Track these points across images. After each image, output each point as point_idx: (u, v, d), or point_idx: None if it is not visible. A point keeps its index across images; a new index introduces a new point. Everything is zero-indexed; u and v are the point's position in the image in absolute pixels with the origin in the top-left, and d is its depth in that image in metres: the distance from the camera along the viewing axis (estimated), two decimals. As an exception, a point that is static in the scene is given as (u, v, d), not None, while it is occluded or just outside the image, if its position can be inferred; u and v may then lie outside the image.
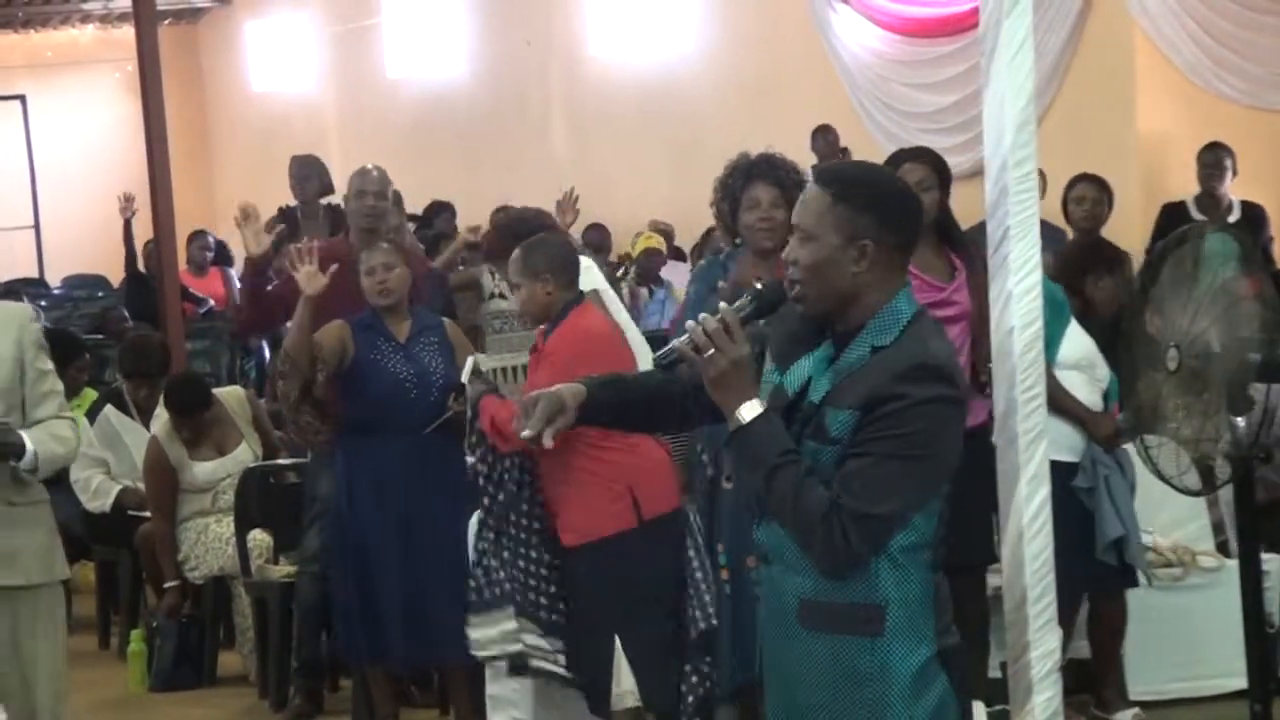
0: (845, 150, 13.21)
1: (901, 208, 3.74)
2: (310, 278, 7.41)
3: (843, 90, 14.29)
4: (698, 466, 6.81)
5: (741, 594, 6.62)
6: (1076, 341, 7.23)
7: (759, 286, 3.85)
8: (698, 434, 6.77)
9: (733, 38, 15.43)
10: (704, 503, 6.72)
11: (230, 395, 9.27)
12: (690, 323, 3.63)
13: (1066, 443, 7.07)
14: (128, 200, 14.56)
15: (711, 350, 3.59)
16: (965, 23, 12.41)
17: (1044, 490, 5.60)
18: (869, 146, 13.43)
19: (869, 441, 3.54)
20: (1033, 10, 5.55)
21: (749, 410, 3.59)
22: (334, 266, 7.44)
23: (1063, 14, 12.44)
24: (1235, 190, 11.13)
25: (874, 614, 3.60)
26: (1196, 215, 10.54)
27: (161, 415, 9.14)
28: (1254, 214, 10.64)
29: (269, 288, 8.28)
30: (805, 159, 13.09)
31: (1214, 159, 10.80)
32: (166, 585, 8.96)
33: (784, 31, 14.90)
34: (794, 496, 3.52)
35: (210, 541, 8.83)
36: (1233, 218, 10.50)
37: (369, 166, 8.35)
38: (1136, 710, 7.34)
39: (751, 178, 6.68)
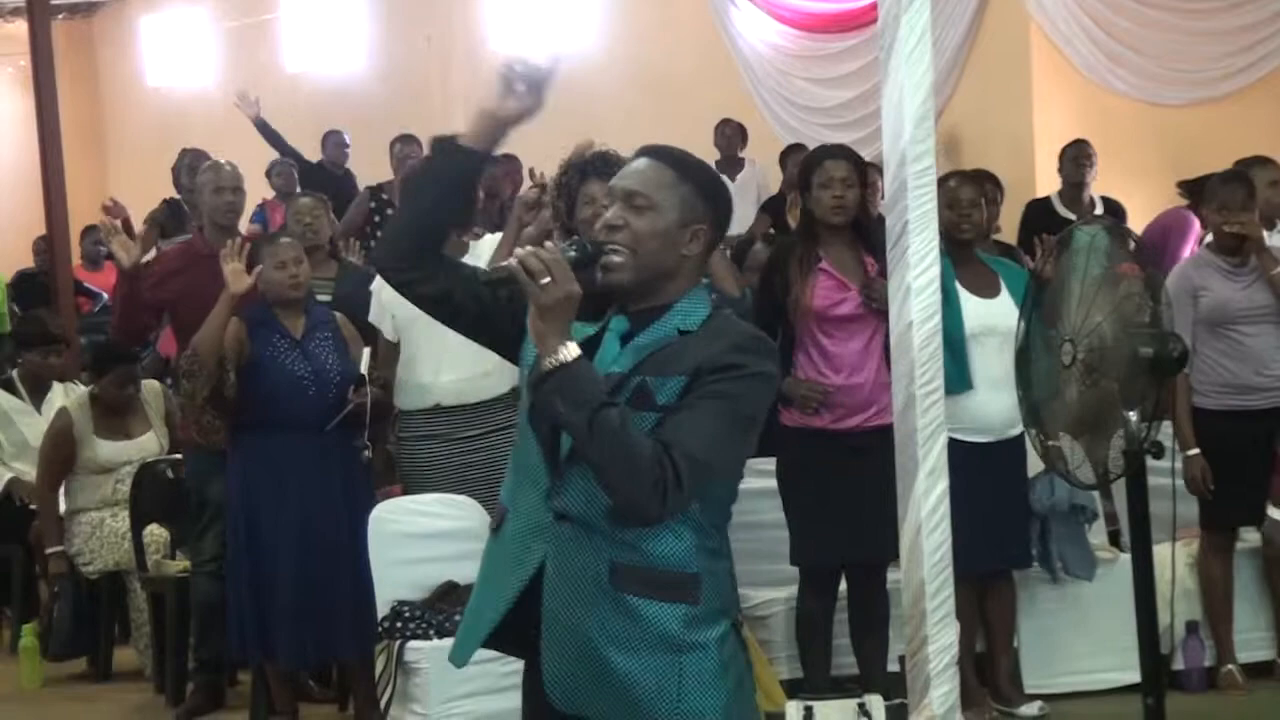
0: (744, 138, 13.28)
1: (729, 207, 3.84)
2: (236, 275, 7.28)
3: (743, 85, 14.31)
4: None
5: None
6: (973, 309, 7.20)
7: (578, 239, 3.81)
8: None
9: (633, 32, 15.42)
10: None
11: (149, 387, 9.22)
12: (519, 249, 3.56)
13: (976, 424, 7.08)
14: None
15: (548, 279, 3.51)
16: (864, 18, 12.46)
17: (942, 484, 5.63)
18: (769, 141, 13.46)
19: (700, 400, 3.58)
20: (930, 6, 5.58)
21: (569, 350, 3.53)
22: (259, 268, 7.34)
23: (960, 10, 12.50)
24: (1132, 182, 11.23)
25: (690, 581, 3.65)
26: (1061, 210, 10.64)
27: (73, 392, 9.24)
28: (1114, 211, 10.73)
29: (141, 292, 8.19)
30: (707, 154, 13.13)
31: (1080, 153, 10.89)
32: (49, 551, 8.88)
33: (684, 26, 14.91)
34: (623, 434, 3.50)
35: (106, 536, 8.76)
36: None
37: (222, 161, 8.32)
38: (1041, 703, 7.37)
39: (587, 175, 6.69)
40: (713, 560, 3.69)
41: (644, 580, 3.63)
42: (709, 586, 3.67)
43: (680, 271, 3.71)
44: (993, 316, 7.12)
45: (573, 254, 3.62)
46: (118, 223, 8.35)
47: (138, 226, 12.47)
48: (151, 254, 9.03)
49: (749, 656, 3.80)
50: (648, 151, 3.81)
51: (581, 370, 3.53)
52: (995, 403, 7.06)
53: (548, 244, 3.63)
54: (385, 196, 12.31)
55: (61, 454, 8.90)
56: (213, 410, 7.39)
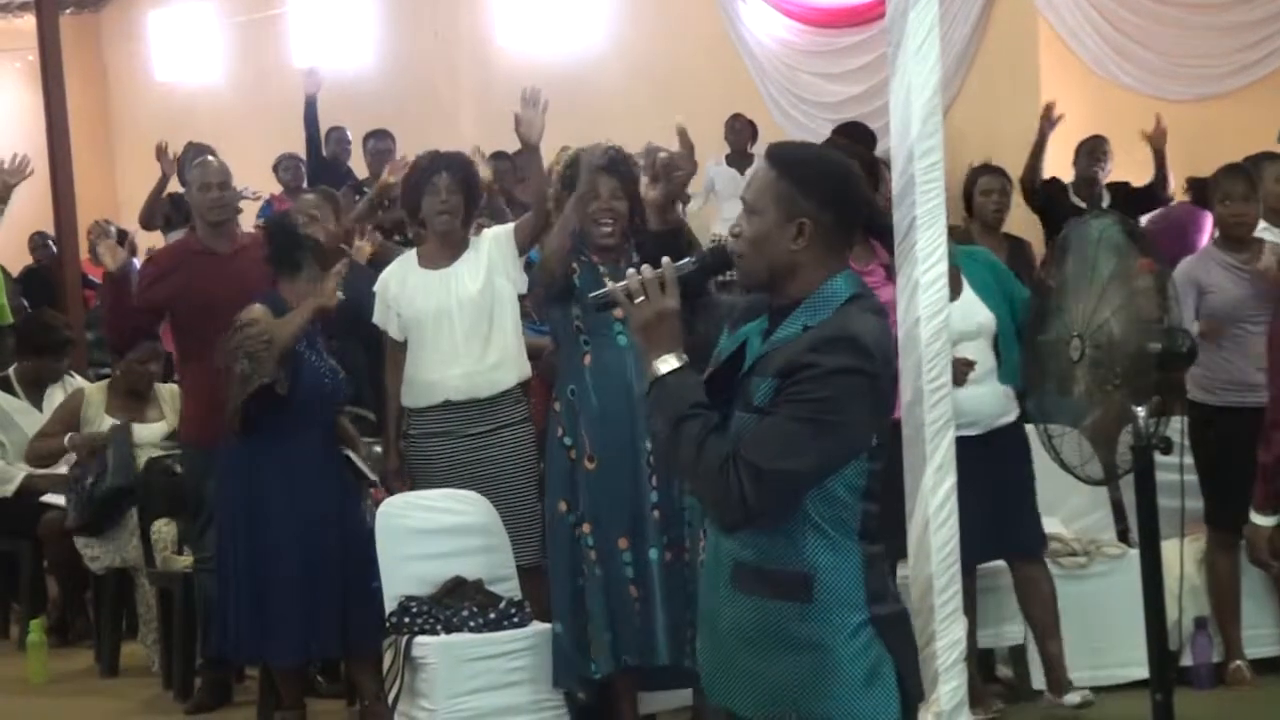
0: (754, 133, 13.25)
1: (844, 189, 3.80)
2: (333, 295, 7.25)
3: (750, 80, 14.30)
4: (556, 448, 6.78)
5: (612, 576, 6.63)
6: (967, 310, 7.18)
7: (705, 249, 3.95)
8: (558, 416, 6.76)
9: (641, 27, 15.42)
10: (565, 484, 6.71)
11: (165, 387, 9.26)
12: (630, 270, 3.74)
13: (965, 418, 7.05)
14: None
15: (642, 298, 3.69)
16: (872, 13, 12.46)
17: (950, 479, 5.62)
18: (777, 136, 13.44)
19: (780, 405, 3.60)
20: (938, 1, 5.57)
21: (665, 363, 3.67)
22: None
23: (968, 5, 12.50)
24: (1140, 177, 11.24)
25: (803, 581, 3.64)
26: (1074, 199, 10.65)
27: (72, 386, 9.56)
28: (1125, 193, 10.72)
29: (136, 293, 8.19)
30: (715, 149, 13.12)
31: (1098, 148, 10.91)
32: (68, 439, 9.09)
33: (692, 21, 14.90)
34: (697, 447, 3.60)
35: (113, 532, 8.77)
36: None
37: (209, 158, 8.37)
38: (1087, 692, 7.30)
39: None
40: (837, 556, 3.66)
41: (759, 578, 3.68)
42: (828, 584, 3.65)
43: (799, 267, 3.71)
44: (961, 319, 7.09)
45: (692, 267, 3.78)
46: (110, 226, 8.41)
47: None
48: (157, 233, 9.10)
49: (890, 648, 3.70)
50: (765, 153, 3.88)
51: (671, 383, 3.67)
52: (979, 395, 7.08)
53: (665, 259, 3.76)
54: (367, 191, 12.34)
55: (64, 424, 9.10)
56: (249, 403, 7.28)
